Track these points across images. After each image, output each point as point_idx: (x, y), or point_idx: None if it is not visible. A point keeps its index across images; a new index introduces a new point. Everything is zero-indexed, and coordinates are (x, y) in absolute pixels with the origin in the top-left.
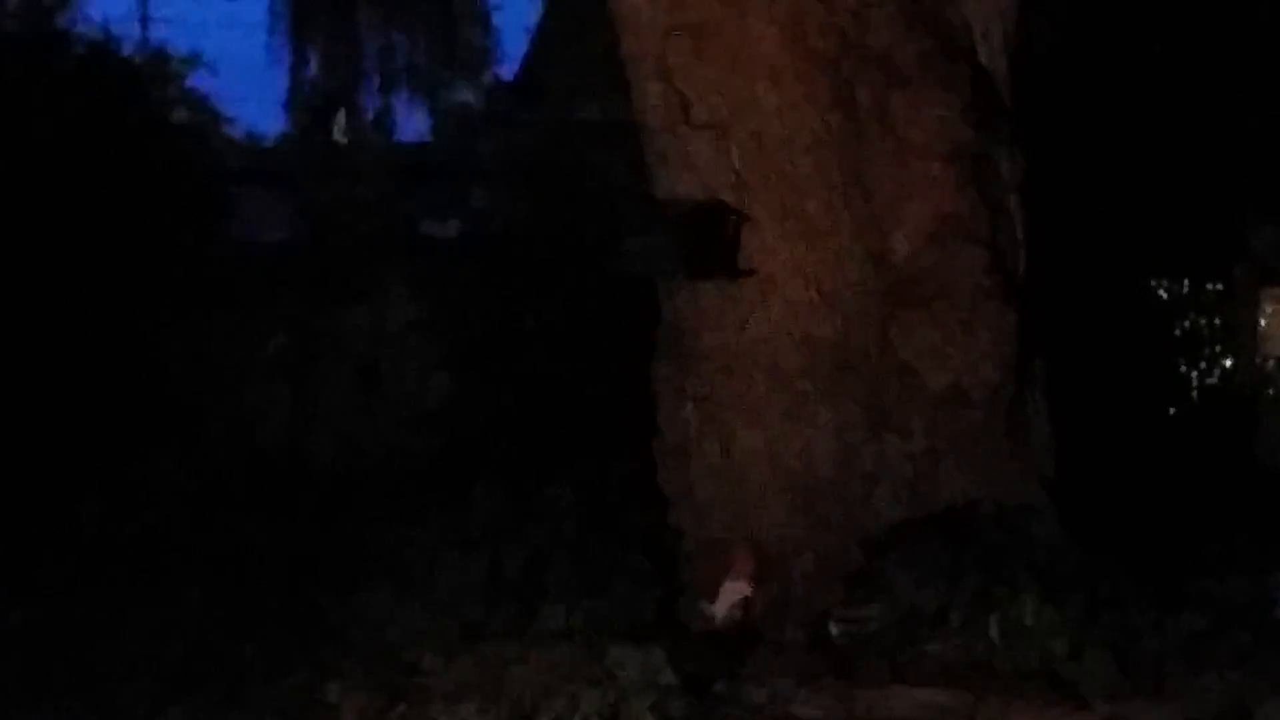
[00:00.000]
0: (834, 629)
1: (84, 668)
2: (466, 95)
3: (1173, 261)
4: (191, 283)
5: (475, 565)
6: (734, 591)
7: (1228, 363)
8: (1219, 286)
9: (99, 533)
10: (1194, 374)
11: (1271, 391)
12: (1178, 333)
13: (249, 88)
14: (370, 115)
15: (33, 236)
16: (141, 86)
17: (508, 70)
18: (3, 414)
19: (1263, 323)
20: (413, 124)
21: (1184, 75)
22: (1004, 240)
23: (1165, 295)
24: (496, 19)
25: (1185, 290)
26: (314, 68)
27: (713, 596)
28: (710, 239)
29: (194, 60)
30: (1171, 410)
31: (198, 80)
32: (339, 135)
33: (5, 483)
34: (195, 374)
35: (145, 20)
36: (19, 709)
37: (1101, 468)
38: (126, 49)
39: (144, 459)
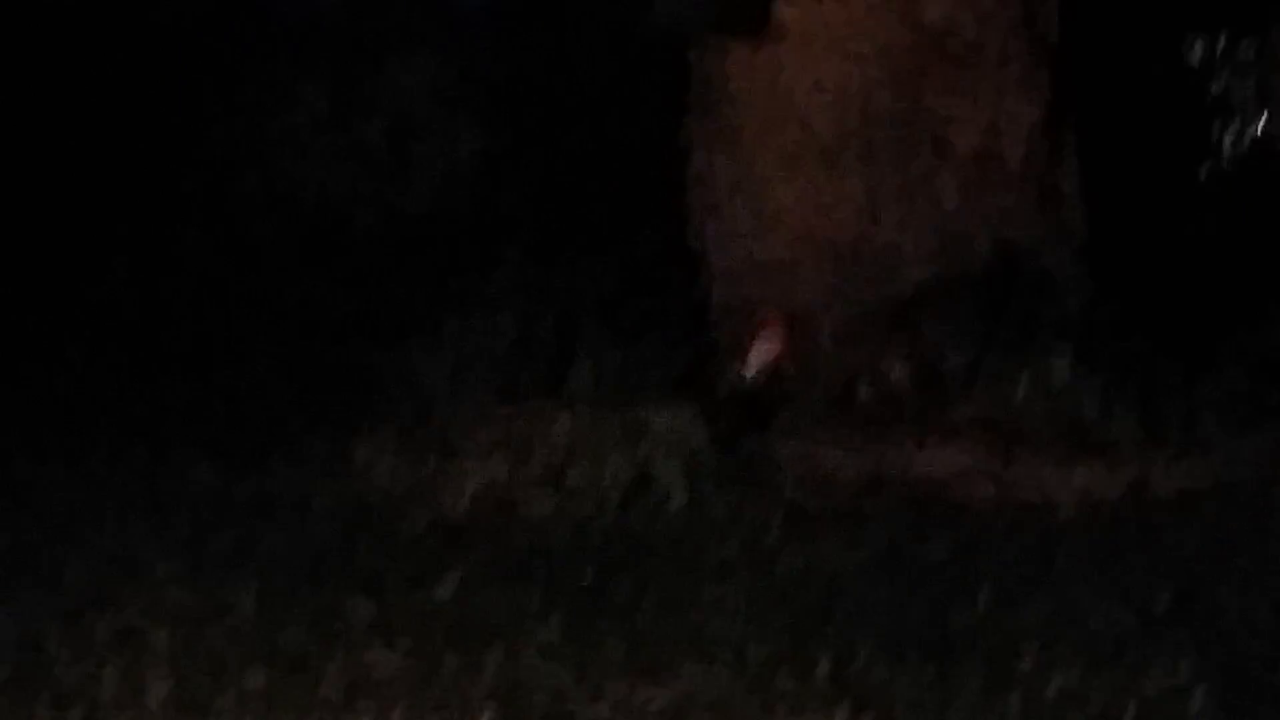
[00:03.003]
0: (863, 386)
1: (112, 426)
2: None
3: (1208, 20)
4: (222, 38)
5: (505, 325)
6: (763, 351)
7: (1261, 123)
8: (1255, 46)
9: (130, 293)
10: (1227, 136)
11: None
12: (1212, 94)
13: None
14: None
15: None
16: None
17: None
18: (31, 175)
19: None
20: None
21: None
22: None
23: (1199, 55)
24: None
25: (1220, 50)
26: None
27: (742, 356)
28: None
29: None
30: (1203, 173)
31: None
32: None
33: (34, 245)
34: (226, 132)
35: None
36: (51, 463)
37: (1133, 231)
38: None
39: (176, 218)
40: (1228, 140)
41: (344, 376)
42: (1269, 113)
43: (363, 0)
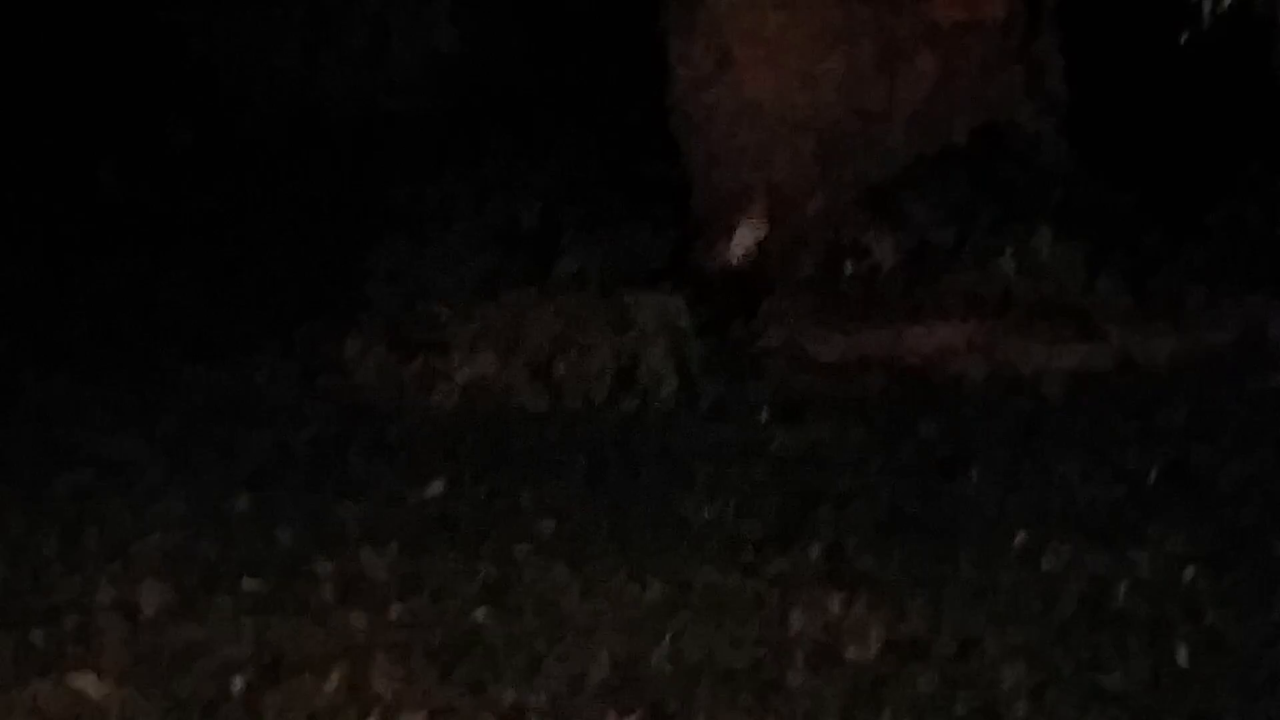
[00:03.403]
0: (848, 267)
1: (100, 327)
2: None
3: None
4: None
5: (489, 216)
6: (748, 235)
7: None
8: None
9: (114, 193)
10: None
11: None
12: None
13: None
14: None
15: None
16: None
17: None
18: (18, 79)
19: None
20: None
21: None
22: None
23: None
24: None
25: None
26: None
27: (727, 238)
28: None
29: None
30: (1184, 36)
31: None
32: None
33: (22, 148)
34: (207, 29)
35: None
36: (35, 368)
37: (1114, 99)
38: None
39: (159, 118)
40: (1207, 4)
41: (329, 274)
42: None
43: None
